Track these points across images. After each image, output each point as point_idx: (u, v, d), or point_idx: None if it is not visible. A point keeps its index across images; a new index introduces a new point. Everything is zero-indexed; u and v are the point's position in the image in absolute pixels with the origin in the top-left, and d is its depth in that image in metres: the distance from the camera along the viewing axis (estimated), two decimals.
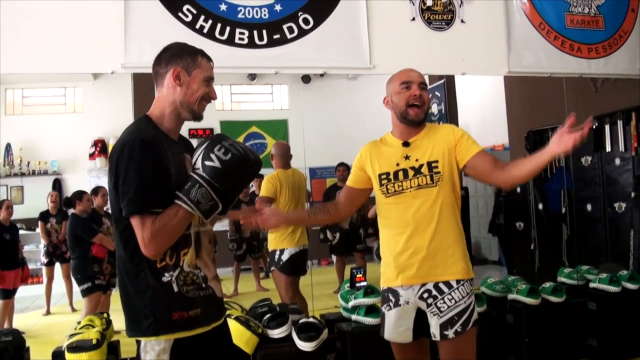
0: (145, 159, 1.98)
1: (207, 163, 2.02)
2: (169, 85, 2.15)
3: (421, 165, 2.75)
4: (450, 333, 2.65)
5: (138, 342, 2.09)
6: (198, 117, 2.21)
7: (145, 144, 2.00)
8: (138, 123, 2.15)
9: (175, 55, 2.17)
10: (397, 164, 2.80)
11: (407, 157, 2.80)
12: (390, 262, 2.83)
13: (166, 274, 2.05)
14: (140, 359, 2.07)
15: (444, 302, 2.68)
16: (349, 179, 3.05)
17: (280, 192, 5.29)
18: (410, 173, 2.76)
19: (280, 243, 5.28)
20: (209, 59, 2.23)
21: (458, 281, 2.70)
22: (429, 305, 2.71)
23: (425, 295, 2.72)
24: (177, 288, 2.06)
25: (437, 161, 2.74)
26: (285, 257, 5.29)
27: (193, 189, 2.00)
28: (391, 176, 2.81)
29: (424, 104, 2.79)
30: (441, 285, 2.70)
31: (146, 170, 1.97)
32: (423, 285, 2.73)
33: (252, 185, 9.24)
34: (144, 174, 1.97)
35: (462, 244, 2.79)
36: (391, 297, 2.82)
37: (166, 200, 2.00)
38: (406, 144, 2.83)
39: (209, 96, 2.21)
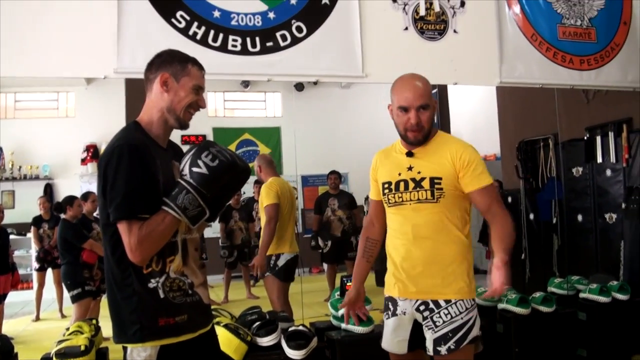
0: (134, 164, 1.97)
1: (195, 169, 2.01)
2: (157, 91, 2.16)
3: (423, 179, 2.67)
4: (443, 349, 2.59)
5: (125, 349, 2.08)
6: (183, 125, 2.20)
7: (133, 150, 1.99)
8: (127, 129, 2.15)
9: (165, 62, 2.17)
10: (399, 174, 2.74)
11: (410, 168, 2.72)
12: (391, 269, 2.80)
13: (152, 280, 2.05)
14: None
15: (440, 317, 2.62)
16: (370, 193, 2.99)
17: (281, 199, 5.30)
18: (411, 185, 2.69)
19: (277, 248, 5.29)
20: (200, 67, 2.22)
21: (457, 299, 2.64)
22: (424, 319, 2.67)
23: (422, 307, 2.67)
24: (163, 294, 2.06)
25: (440, 178, 2.64)
26: (281, 263, 5.30)
27: (180, 195, 2.00)
28: (392, 186, 2.75)
29: (423, 128, 2.66)
30: (439, 300, 2.64)
31: (134, 176, 1.97)
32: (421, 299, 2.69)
33: (244, 192, 9.24)
34: (132, 180, 1.96)
35: (464, 262, 2.68)
36: (390, 306, 2.80)
37: (154, 207, 1.99)
38: (410, 154, 2.73)
39: (197, 104, 2.20)
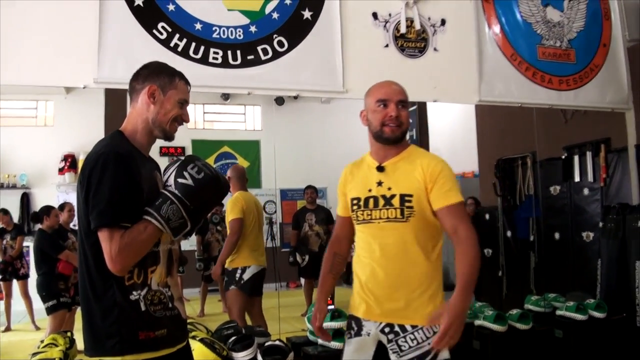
0: (119, 172, 1.96)
1: (180, 180, 2.02)
2: (143, 102, 2.17)
3: (393, 196, 2.51)
4: None
5: None
6: (169, 137, 2.21)
7: (119, 158, 1.99)
8: (112, 137, 2.15)
9: (153, 74, 2.19)
10: (370, 190, 2.58)
11: (379, 183, 2.56)
12: (357, 288, 2.64)
13: (134, 292, 2.02)
14: None
15: (406, 341, 2.46)
16: (337, 208, 2.87)
17: (246, 213, 5.29)
18: (381, 202, 2.53)
19: (243, 261, 5.29)
20: (186, 82, 2.25)
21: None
22: (389, 341, 2.50)
23: (387, 330, 2.51)
24: (144, 307, 2.03)
25: (411, 195, 2.48)
26: (247, 276, 5.28)
27: (164, 205, 1.99)
28: (362, 202, 2.60)
29: (402, 124, 2.56)
30: (405, 325, 2.48)
31: (119, 184, 1.96)
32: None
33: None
34: (116, 188, 1.95)
35: (432, 285, 2.49)
36: (354, 325, 2.64)
37: (136, 216, 1.98)
38: (380, 169, 2.58)
39: (182, 118, 2.21)
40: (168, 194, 2.01)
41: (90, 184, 1.96)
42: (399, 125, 2.55)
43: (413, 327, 2.45)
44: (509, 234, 8.03)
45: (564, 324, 4.87)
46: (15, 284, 8.41)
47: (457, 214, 2.44)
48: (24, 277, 7.93)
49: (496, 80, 5.16)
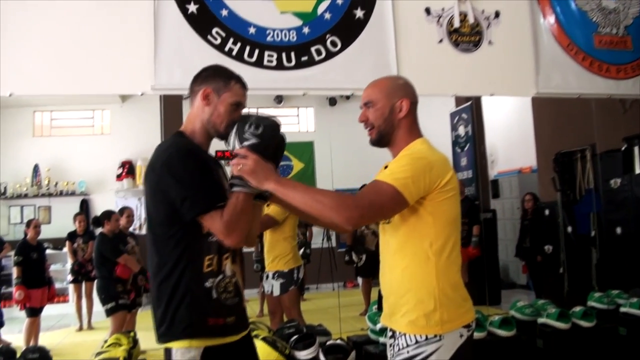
0: (196, 162, 2.10)
1: (246, 143, 2.07)
2: (198, 103, 2.25)
3: None
4: None
5: (168, 351, 2.11)
6: (224, 137, 2.24)
7: (191, 152, 2.14)
8: (175, 137, 2.25)
9: (210, 76, 2.25)
10: None
11: None
12: None
13: (210, 280, 2.12)
14: None
15: (392, 347, 2.33)
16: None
17: (290, 215, 5.32)
18: None
19: (296, 261, 5.43)
20: (243, 85, 2.28)
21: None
22: (389, 345, 2.39)
23: (389, 333, 2.40)
24: (215, 295, 2.12)
25: None
26: (301, 275, 5.45)
27: None
28: None
29: (373, 126, 2.42)
30: (395, 330, 2.33)
31: (199, 171, 2.09)
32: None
33: None
34: (198, 175, 2.08)
35: (421, 290, 2.25)
36: None
37: (223, 195, 2.10)
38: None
39: (234, 121, 2.22)
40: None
41: (171, 180, 2.06)
42: (371, 128, 2.44)
43: (400, 333, 2.30)
44: (569, 229, 7.87)
45: (628, 321, 4.75)
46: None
47: (372, 185, 2.21)
48: (93, 279, 8.14)
49: (553, 72, 5.08)
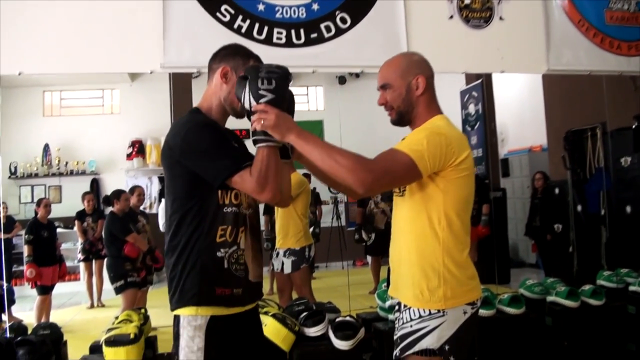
0: (215, 132, 2.15)
1: (263, 100, 2.05)
2: (217, 81, 2.27)
3: None
4: (395, 352, 2.34)
5: (177, 318, 2.16)
6: (240, 115, 2.27)
7: (209, 125, 2.18)
8: (191, 113, 2.28)
9: (229, 55, 2.28)
10: None
11: None
12: None
13: (222, 250, 2.15)
14: (179, 334, 2.14)
15: (397, 320, 2.38)
16: None
17: (302, 192, 5.34)
18: None
19: (307, 239, 5.43)
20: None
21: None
22: (396, 318, 2.44)
23: (397, 306, 2.45)
24: (227, 265, 2.16)
25: None
26: (312, 253, 5.47)
27: None
28: None
29: (392, 107, 2.44)
30: (401, 302, 2.38)
31: (220, 138, 2.14)
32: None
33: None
34: (218, 142, 2.12)
35: (428, 267, 2.27)
36: None
37: (249, 155, 2.14)
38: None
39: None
40: None
41: (192, 153, 2.10)
42: (391, 109, 2.46)
43: (404, 306, 2.34)
44: (579, 208, 7.84)
45: (637, 300, 4.74)
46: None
47: (388, 152, 2.22)
48: (104, 258, 8.20)
49: (564, 48, 5.04)
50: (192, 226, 2.14)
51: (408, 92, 2.40)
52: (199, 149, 2.09)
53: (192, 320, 2.12)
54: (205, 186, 2.11)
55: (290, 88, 2.21)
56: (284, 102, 2.11)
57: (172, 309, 2.18)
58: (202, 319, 2.11)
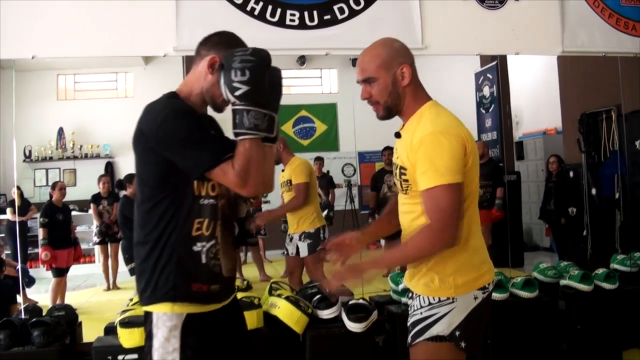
0: (192, 121, 2.01)
1: (237, 93, 1.93)
2: (202, 70, 2.14)
3: (396, 167, 2.37)
4: (408, 339, 2.34)
5: (148, 315, 2.07)
6: (219, 110, 2.19)
7: (187, 111, 2.04)
8: (168, 97, 2.15)
9: (221, 44, 2.13)
10: (397, 157, 2.41)
11: (396, 151, 2.42)
12: None
13: (198, 244, 2.06)
14: (152, 333, 2.04)
15: (410, 307, 2.40)
16: None
17: (312, 177, 5.40)
18: (396, 172, 2.39)
19: (320, 220, 5.48)
20: None
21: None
22: (410, 306, 2.44)
23: (409, 294, 2.47)
24: (205, 260, 2.07)
25: (405, 168, 2.28)
26: (327, 235, 5.40)
27: (244, 119, 1.95)
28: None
29: (377, 102, 2.34)
30: (413, 290, 2.40)
31: (199, 128, 2.01)
32: None
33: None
34: (200, 133, 2.01)
35: (438, 256, 2.24)
36: None
37: (231, 145, 2.00)
38: (397, 135, 2.42)
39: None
40: (239, 108, 1.96)
41: (170, 141, 1.97)
42: (376, 104, 2.35)
43: (416, 294, 2.35)
44: (593, 191, 7.80)
45: None
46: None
47: (430, 199, 2.16)
48: (119, 240, 8.24)
49: (579, 30, 4.99)
50: (166, 218, 2.03)
51: (394, 84, 2.31)
52: (176, 138, 1.96)
53: (167, 320, 2.01)
54: (179, 175, 2.01)
55: (281, 69, 2.15)
56: (261, 93, 1.97)
57: (144, 304, 2.08)
58: (178, 318, 2.02)
